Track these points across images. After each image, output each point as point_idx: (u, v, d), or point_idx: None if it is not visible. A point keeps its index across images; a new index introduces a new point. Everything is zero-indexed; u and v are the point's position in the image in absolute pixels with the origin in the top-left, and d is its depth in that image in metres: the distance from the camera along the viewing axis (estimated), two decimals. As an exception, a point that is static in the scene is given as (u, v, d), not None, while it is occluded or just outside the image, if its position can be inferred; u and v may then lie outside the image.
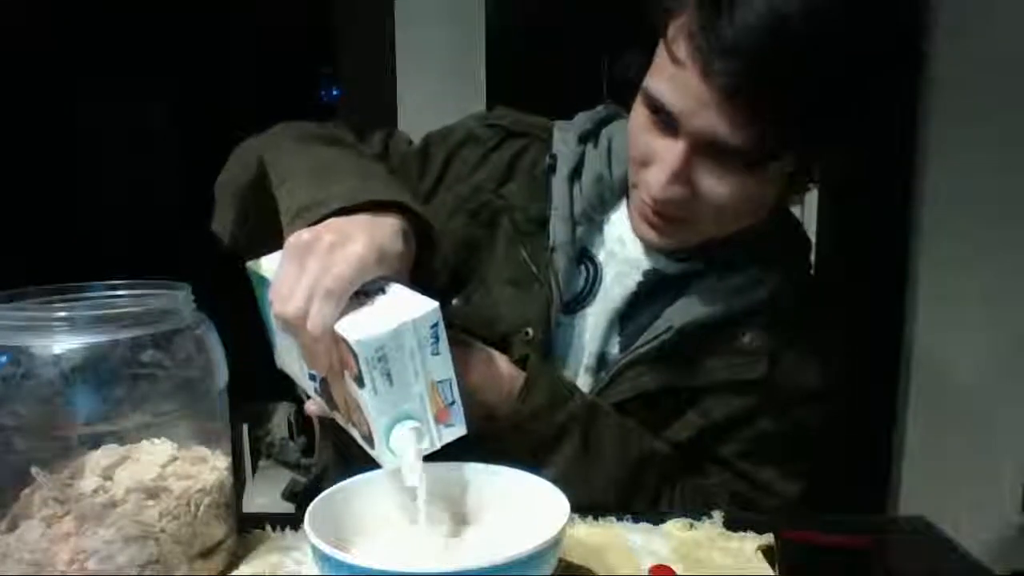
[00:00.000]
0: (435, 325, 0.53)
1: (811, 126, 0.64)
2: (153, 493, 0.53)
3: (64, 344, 0.51)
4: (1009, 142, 1.67)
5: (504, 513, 0.58)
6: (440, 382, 0.55)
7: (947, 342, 1.77)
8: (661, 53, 0.67)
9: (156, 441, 0.57)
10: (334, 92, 2.63)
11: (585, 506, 0.67)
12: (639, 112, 0.71)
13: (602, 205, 0.81)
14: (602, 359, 0.79)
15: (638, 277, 0.79)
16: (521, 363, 0.73)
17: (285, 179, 0.67)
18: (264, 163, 0.71)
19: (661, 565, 0.58)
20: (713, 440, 0.78)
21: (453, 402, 0.56)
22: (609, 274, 0.80)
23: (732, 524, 0.65)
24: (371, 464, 0.58)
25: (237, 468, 0.69)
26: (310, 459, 2.51)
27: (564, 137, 0.83)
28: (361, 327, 0.52)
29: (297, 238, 0.56)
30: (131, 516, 0.52)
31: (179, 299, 0.57)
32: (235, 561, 0.59)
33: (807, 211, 1.63)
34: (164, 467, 0.55)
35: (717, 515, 0.66)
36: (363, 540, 0.56)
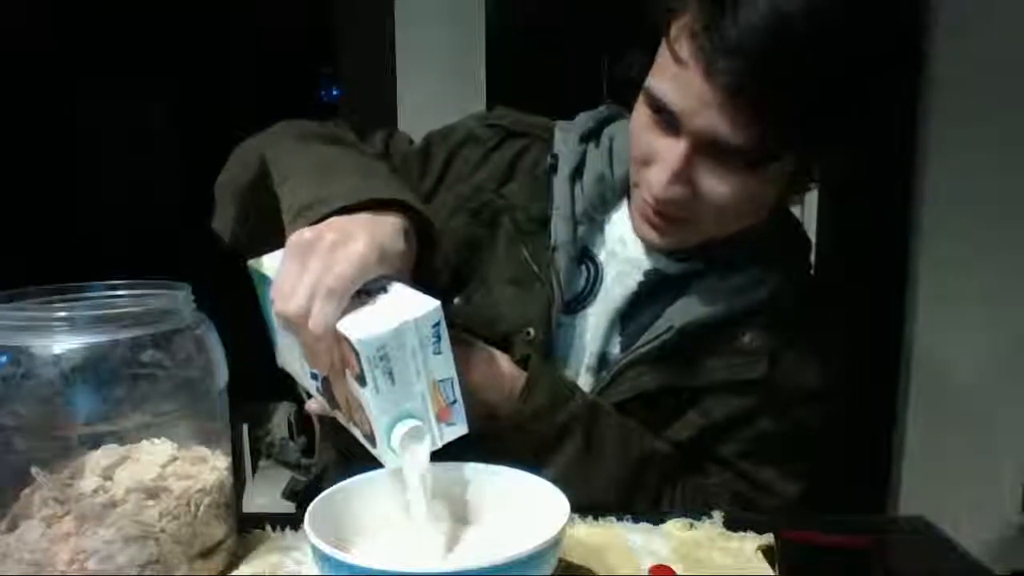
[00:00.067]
0: (437, 324, 0.53)
1: (812, 126, 0.64)
2: (153, 493, 0.53)
3: (64, 344, 0.51)
4: (1009, 142, 1.66)
5: (504, 513, 0.58)
6: (442, 381, 0.55)
7: (947, 342, 1.77)
8: (663, 53, 0.67)
9: (156, 441, 0.57)
10: (334, 92, 2.63)
11: (586, 506, 0.66)
12: (641, 112, 0.71)
13: (603, 205, 0.81)
14: (603, 359, 0.79)
15: (639, 277, 0.79)
16: (522, 363, 0.73)
17: (286, 178, 0.67)
18: (265, 162, 0.71)
19: (661, 565, 0.58)
20: (713, 440, 0.78)
21: (455, 401, 0.56)
22: (610, 274, 0.80)
23: (732, 524, 0.65)
24: (373, 463, 0.58)
25: (237, 468, 0.69)
26: (310, 459, 2.51)
27: (565, 137, 0.83)
28: (363, 326, 0.52)
29: (299, 237, 0.56)
30: (131, 516, 0.52)
31: (179, 299, 0.57)
32: (235, 561, 0.59)
33: (807, 211, 1.63)
34: (164, 467, 0.55)
35: (717, 515, 0.66)
36: (363, 540, 0.56)
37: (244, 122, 0.87)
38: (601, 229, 0.81)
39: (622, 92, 0.75)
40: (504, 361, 0.73)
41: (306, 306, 0.53)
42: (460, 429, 0.57)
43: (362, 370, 0.51)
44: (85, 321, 0.52)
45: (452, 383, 0.55)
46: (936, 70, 1.66)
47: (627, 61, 0.72)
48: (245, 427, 2.47)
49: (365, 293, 0.55)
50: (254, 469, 2.58)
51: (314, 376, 0.60)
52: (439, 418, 0.55)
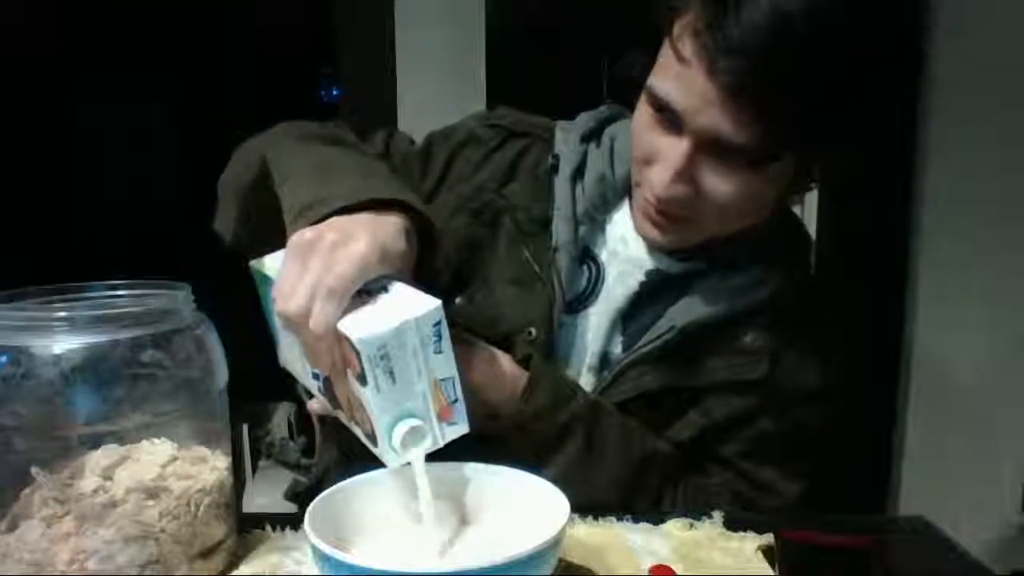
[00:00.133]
0: (438, 323, 0.53)
1: (814, 125, 0.64)
2: (153, 493, 0.53)
3: (64, 344, 0.51)
4: (1009, 142, 1.66)
5: (504, 513, 0.58)
6: (443, 380, 0.55)
7: (947, 342, 1.77)
8: (666, 52, 0.67)
9: (156, 441, 0.57)
10: (334, 92, 2.63)
11: (587, 506, 0.66)
12: (642, 111, 0.71)
13: (604, 205, 0.81)
14: (604, 359, 0.79)
15: (640, 277, 0.79)
16: (524, 363, 0.73)
17: (287, 178, 0.67)
18: (266, 162, 0.71)
19: (661, 565, 0.58)
20: (714, 440, 0.78)
21: (456, 400, 0.56)
22: (611, 274, 0.80)
23: (732, 524, 0.65)
24: (375, 463, 0.58)
25: (237, 468, 0.69)
26: (310, 459, 2.51)
27: (566, 137, 0.83)
28: (364, 325, 0.52)
29: (300, 237, 0.56)
30: (131, 516, 0.52)
31: (179, 299, 0.57)
32: (235, 561, 0.59)
33: (807, 211, 1.63)
34: (164, 467, 0.55)
35: (717, 515, 0.66)
36: (363, 540, 0.56)
37: (244, 122, 0.87)
38: (602, 229, 0.81)
39: (622, 92, 0.75)
40: (506, 361, 0.73)
41: (307, 306, 0.53)
42: (461, 428, 0.57)
43: (363, 369, 0.52)
44: (85, 321, 0.52)
45: (453, 382, 0.55)
46: (936, 70, 1.66)
47: (628, 61, 0.72)
48: (245, 427, 2.47)
49: (366, 293, 0.55)
50: (254, 469, 2.58)
51: (315, 376, 0.60)
52: (440, 417, 0.55)
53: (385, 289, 0.56)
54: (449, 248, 0.75)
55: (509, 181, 0.82)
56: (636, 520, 0.67)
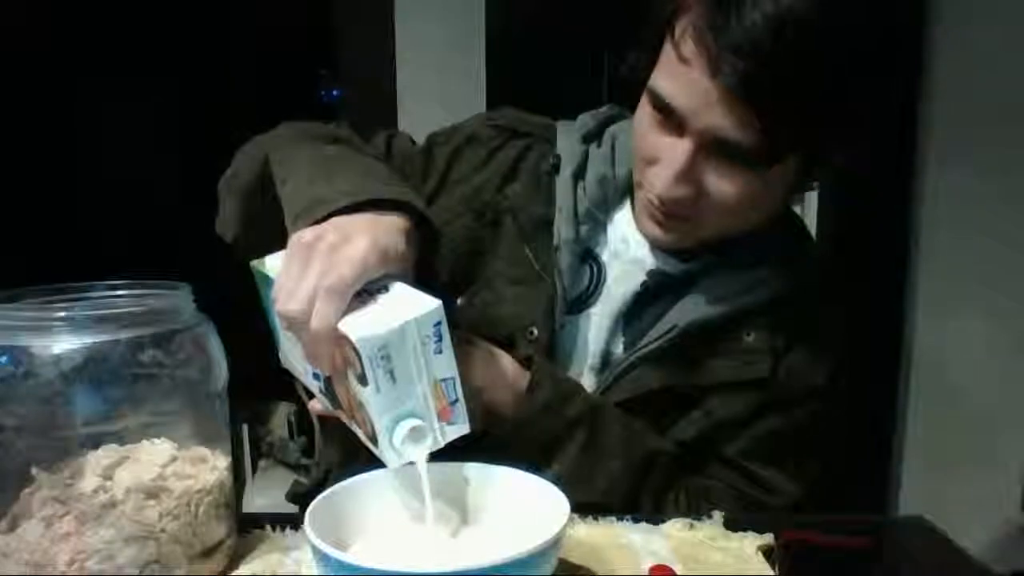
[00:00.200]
0: (438, 323, 0.53)
1: (817, 125, 0.64)
2: (153, 493, 0.53)
3: (64, 344, 0.51)
4: (1009, 142, 1.66)
5: (504, 513, 0.58)
6: (443, 380, 0.55)
7: (947, 342, 1.77)
8: (667, 52, 0.67)
9: (156, 441, 0.57)
10: (334, 92, 2.63)
11: (588, 506, 0.66)
12: (644, 111, 0.71)
13: (606, 205, 0.81)
14: (606, 358, 0.79)
15: (642, 277, 0.79)
16: (525, 363, 0.73)
17: (288, 178, 0.67)
18: (268, 162, 0.71)
19: (661, 565, 0.58)
20: (716, 439, 0.78)
21: (456, 400, 0.56)
22: (613, 274, 0.80)
23: (732, 524, 0.65)
24: (376, 463, 0.58)
25: (237, 468, 0.69)
26: (310, 459, 2.51)
27: (567, 137, 0.83)
28: (364, 326, 0.52)
29: (300, 237, 0.56)
30: (131, 516, 0.52)
31: (179, 299, 0.57)
32: (235, 561, 0.59)
33: (807, 211, 1.63)
34: (164, 467, 0.55)
35: (717, 515, 0.66)
36: (363, 540, 0.56)
37: (244, 122, 0.87)
38: (604, 229, 0.81)
39: (623, 91, 0.75)
40: (507, 361, 0.73)
41: (307, 306, 0.53)
42: (462, 428, 0.57)
43: (363, 370, 0.52)
44: (85, 321, 0.52)
45: (454, 382, 0.55)
46: (936, 70, 1.66)
47: (630, 62, 0.72)
48: (245, 427, 2.47)
49: (366, 293, 0.55)
50: (254, 469, 2.58)
51: (316, 376, 0.60)
52: (440, 417, 0.55)
53: (385, 289, 0.56)
54: (445, 248, 0.75)
55: (510, 181, 0.82)
56: (636, 520, 0.66)
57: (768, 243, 0.78)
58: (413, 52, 1.72)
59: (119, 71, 2.60)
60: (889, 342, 1.79)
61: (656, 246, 0.78)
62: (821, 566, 0.63)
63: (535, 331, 0.77)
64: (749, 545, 0.62)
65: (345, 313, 0.54)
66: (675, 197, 0.69)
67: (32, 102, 2.45)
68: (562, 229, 0.79)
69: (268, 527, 0.64)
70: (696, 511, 0.69)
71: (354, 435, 0.60)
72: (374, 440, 0.55)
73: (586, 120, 0.84)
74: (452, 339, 0.55)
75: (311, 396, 0.67)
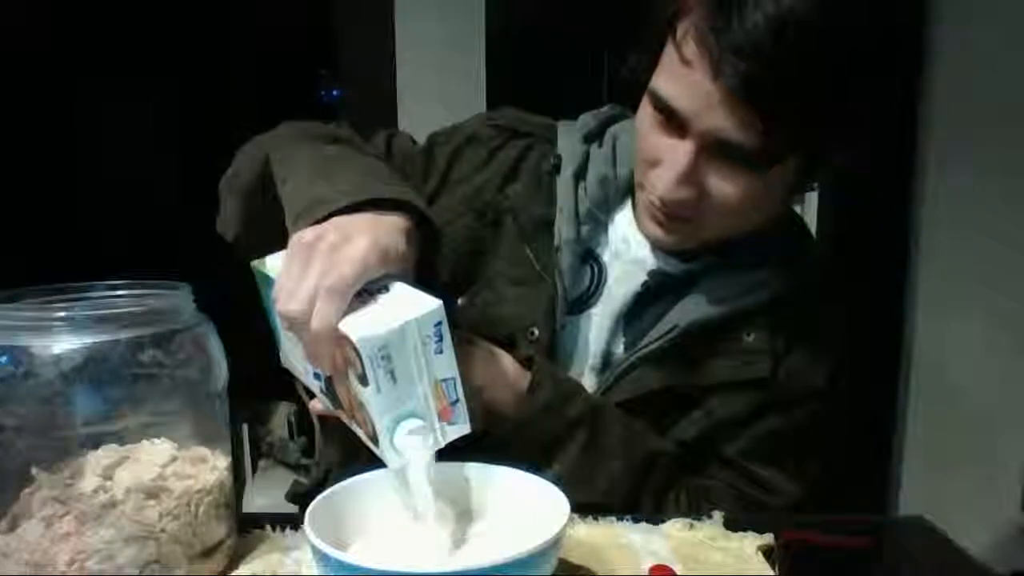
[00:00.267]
0: (439, 324, 0.53)
1: (818, 125, 0.64)
2: (153, 493, 0.53)
3: (64, 344, 0.51)
4: (1009, 143, 1.66)
5: (504, 513, 0.58)
6: (444, 380, 0.55)
7: (947, 342, 1.77)
8: (669, 54, 0.67)
9: (156, 441, 0.57)
10: (334, 92, 2.62)
11: (590, 505, 0.66)
12: (645, 112, 0.71)
13: (607, 205, 0.81)
14: (607, 359, 0.79)
15: (643, 277, 0.79)
16: (526, 363, 0.73)
17: (289, 178, 0.67)
18: (268, 162, 0.71)
19: (661, 565, 0.58)
20: (717, 440, 0.78)
21: (457, 400, 0.56)
22: (614, 274, 0.80)
23: (732, 524, 0.65)
24: (376, 463, 0.58)
25: (237, 468, 0.69)
26: (310, 459, 2.51)
27: (568, 137, 0.83)
28: (364, 326, 0.52)
29: (300, 237, 0.56)
30: (131, 516, 0.52)
31: (179, 299, 0.57)
32: (235, 561, 0.59)
33: (807, 211, 1.63)
34: (164, 467, 0.55)
35: (717, 515, 0.66)
36: (363, 540, 0.56)
37: (244, 122, 0.87)
38: (605, 229, 0.81)
39: (624, 91, 0.75)
40: (508, 361, 0.73)
41: (308, 306, 0.53)
42: (462, 428, 0.57)
43: (364, 370, 0.52)
44: (85, 321, 0.52)
45: (454, 382, 0.55)
46: (936, 70, 1.66)
47: (630, 63, 0.72)
48: (245, 427, 2.47)
49: (367, 293, 0.55)
50: (254, 469, 2.58)
51: (317, 376, 0.60)
52: (441, 417, 0.55)
53: (386, 289, 0.56)
54: (445, 248, 0.76)
55: (511, 181, 0.82)
56: (636, 520, 0.66)
57: (769, 243, 0.78)
58: (413, 52, 1.72)
59: (119, 71, 2.60)
60: (889, 342, 1.79)
61: (658, 247, 0.78)
62: (821, 566, 0.63)
63: (536, 331, 0.77)
64: (749, 545, 0.62)
65: (346, 313, 0.53)
66: (677, 199, 0.69)
67: (32, 102, 2.45)
68: (563, 229, 0.79)
69: (268, 527, 0.64)
70: (696, 511, 0.69)
71: (354, 435, 0.60)
72: (375, 440, 0.55)
73: (587, 120, 0.84)
74: (453, 339, 0.54)
75: (311, 396, 0.67)
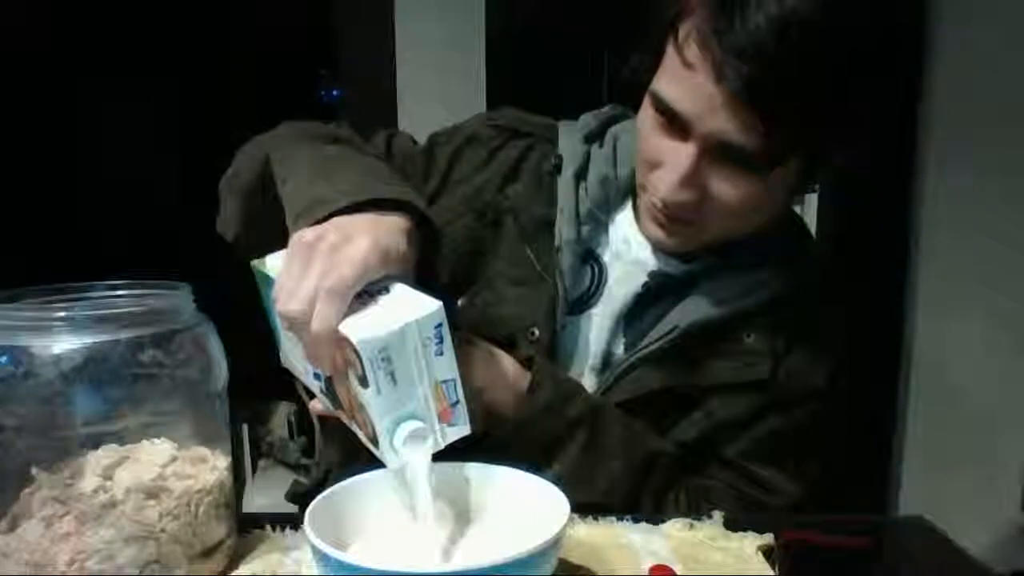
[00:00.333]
0: (439, 325, 0.53)
1: (821, 128, 0.64)
2: (153, 493, 0.53)
3: (64, 344, 0.51)
4: (1009, 142, 1.66)
5: (504, 513, 0.58)
6: (444, 382, 0.55)
7: (947, 342, 1.77)
8: (671, 56, 0.67)
9: (156, 441, 0.57)
10: (334, 92, 2.62)
11: (590, 505, 0.66)
12: (647, 114, 0.71)
13: (607, 205, 0.81)
14: (607, 359, 0.79)
15: (643, 278, 0.79)
16: (526, 363, 0.73)
17: (289, 178, 0.67)
18: (269, 162, 0.71)
19: (661, 565, 0.58)
20: (717, 440, 0.78)
21: (457, 402, 0.56)
22: (614, 274, 0.80)
23: (732, 524, 0.65)
24: (376, 464, 0.58)
25: (237, 468, 0.69)
26: (310, 459, 2.51)
27: (569, 137, 0.83)
28: (365, 327, 0.52)
29: (301, 237, 0.56)
30: (131, 516, 0.52)
31: (179, 299, 0.57)
32: (235, 561, 0.59)
33: (807, 211, 1.63)
34: (164, 467, 0.55)
35: (717, 515, 0.66)
36: (363, 540, 0.56)
37: (244, 122, 0.87)
38: (605, 230, 0.81)
39: (624, 92, 0.75)
40: (508, 362, 0.73)
41: (308, 307, 0.53)
42: (462, 430, 0.57)
43: (364, 371, 0.52)
44: (85, 321, 0.52)
45: (454, 384, 0.55)
46: (936, 70, 1.66)
47: (631, 64, 0.72)
48: (245, 427, 2.47)
49: (367, 294, 0.55)
50: (254, 469, 2.58)
51: (317, 376, 0.60)
52: (441, 419, 0.55)
53: (386, 290, 0.56)
54: (445, 248, 0.76)
55: (512, 181, 0.82)
56: (636, 520, 0.66)
57: (769, 244, 0.78)
58: (413, 52, 1.72)
59: (119, 71, 2.60)
60: (889, 342, 1.79)
61: (659, 249, 0.78)
62: (821, 566, 0.63)
63: (536, 332, 0.77)
64: (749, 545, 0.62)
65: (346, 314, 0.53)
66: (679, 201, 0.69)
67: (32, 102, 2.45)
68: (564, 230, 0.79)
69: (268, 527, 0.64)
70: (696, 511, 0.69)
71: (354, 435, 0.60)
72: (374, 441, 0.55)
73: (588, 120, 0.84)
74: (453, 340, 0.54)
75: (311, 396, 0.67)
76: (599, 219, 0.81)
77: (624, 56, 0.73)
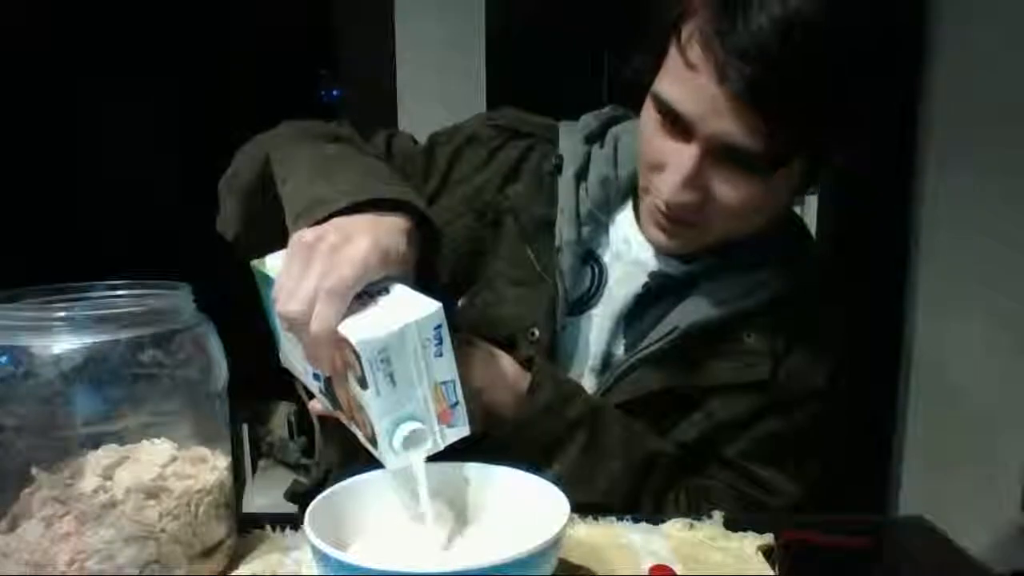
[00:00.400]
0: (438, 326, 0.53)
1: (825, 128, 0.64)
2: (153, 493, 0.53)
3: (64, 344, 0.51)
4: (1009, 142, 1.66)
5: (504, 513, 0.58)
6: (443, 383, 0.55)
7: (947, 342, 1.77)
8: (673, 57, 0.67)
9: (156, 441, 0.57)
10: (334, 92, 2.62)
11: (590, 505, 0.66)
12: (649, 116, 0.71)
13: (608, 206, 0.81)
14: (607, 360, 0.79)
15: (644, 278, 0.79)
16: (526, 364, 0.73)
17: (289, 177, 0.67)
18: (269, 161, 0.71)
19: (661, 565, 0.58)
20: (717, 441, 0.78)
21: (456, 403, 0.56)
22: (614, 275, 0.80)
23: (732, 524, 0.65)
24: (376, 464, 0.58)
25: (237, 468, 0.69)
26: (310, 459, 2.51)
27: (570, 138, 0.83)
28: (364, 328, 0.52)
29: (300, 237, 0.56)
30: (131, 516, 0.52)
31: (179, 299, 0.57)
32: (235, 561, 0.59)
33: (807, 211, 1.63)
34: (164, 467, 0.55)
35: (717, 515, 0.66)
36: (363, 540, 0.56)
37: (244, 122, 0.87)
38: (606, 230, 0.81)
39: (624, 92, 0.75)
40: (508, 362, 0.73)
41: (307, 308, 0.53)
42: (461, 431, 0.57)
43: (363, 372, 0.51)
44: (85, 321, 0.52)
45: (454, 385, 0.55)
46: (936, 70, 1.66)
47: (633, 65, 0.71)
48: (245, 427, 2.47)
49: (367, 294, 0.55)
50: (254, 469, 2.58)
51: (316, 376, 0.60)
52: (440, 420, 0.55)
53: (386, 291, 0.56)
54: (445, 249, 0.76)
55: (512, 182, 0.82)
56: (636, 520, 0.66)
57: (769, 244, 0.78)
58: (413, 52, 1.72)
59: (119, 71, 2.60)
60: (889, 342, 1.79)
61: (661, 252, 0.78)
62: (821, 566, 0.63)
63: (536, 332, 0.77)
64: (749, 545, 0.62)
65: (345, 315, 0.53)
66: (682, 202, 0.69)
67: (32, 102, 2.45)
68: (564, 230, 0.79)
69: (268, 527, 0.64)
70: (696, 511, 0.69)
71: (354, 436, 0.60)
72: (374, 442, 0.55)
73: (588, 121, 0.84)
74: (452, 341, 0.54)
75: (311, 396, 0.67)
76: (599, 220, 0.81)
77: (625, 57, 0.73)
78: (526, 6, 1.74)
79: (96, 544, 0.51)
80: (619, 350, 0.80)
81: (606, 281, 0.80)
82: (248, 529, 0.63)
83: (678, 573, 0.57)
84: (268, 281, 0.60)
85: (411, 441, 0.54)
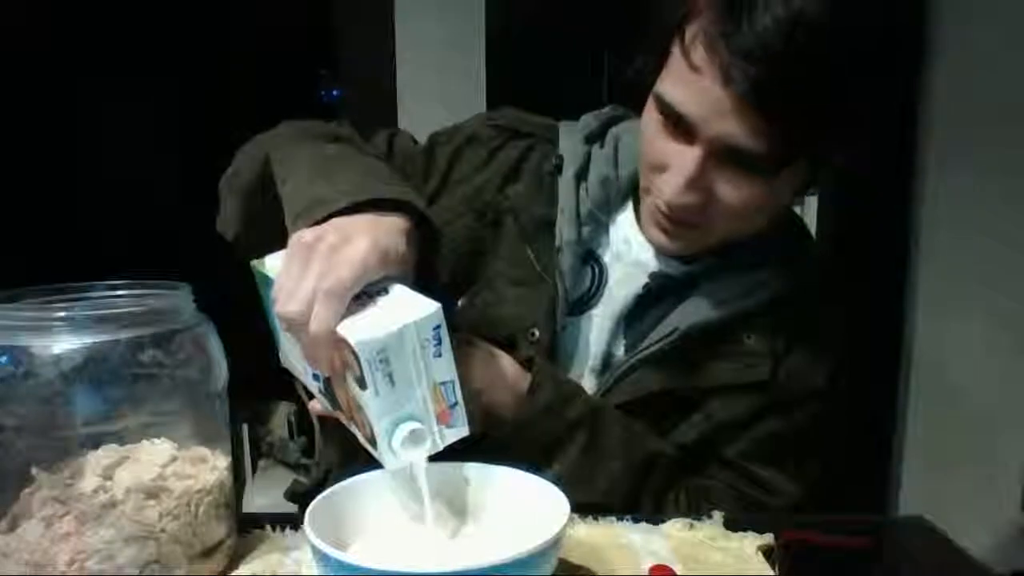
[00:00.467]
0: (437, 327, 0.53)
1: (828, 129, 0.64)
2: (153, 493, 0.53)
3: (64, 344, 0.51)
4: (1009, 142, 1.66)
5: (504, 513, 0.58)
6: (442, 383, 0.55)
7: (947, 342, 1.77)
8: (676, 58, 0.67)
9: (156, 441, 0.57)
10: (334, 92, 2.62)
11: (590, 505, 0.66)
12: (651, 117, 0.70)
13: (608, 206, 0.81)
14: (607, 360, 0.79)
15: (644, 279, 0.79)
16: (526, 364, 0.73)
17: (289, 177, 0.67)
18: (269, 161, 0.71)
19: (661, 565, 0.58)
20: (717, 441, 0.78)
21: (455, 403, 0.56)
22: (615, 275, 0.80)
23: (732, 524, 0.65)
24: (376, 464, 0.58)
25: (237, 468, 0.69)
26: (310, 459, 2.51)
27: (570, 138, 0.83)
28: (363, 329, 0.52)
29: (300, 238, 0.56)
30: (131, 516, 0.52)
31: (179, 299, 0.57)
32: (235, 561, 0.59)
33: (807, 211, 1.63)
34: (164, 467, 0.55)
35: (717, 515, 0.66)
36: (363, 540, 0.56)
37: (244, 122, 0.87)
38: (606, 230, 0.81)
39: (624, 92, 0.75)
40: (508, 362, 0.73)
41: (307, 308, 0.53)
42: (461, 431, 0.57)
43: (362, 372, 0.51)
44: (85, 321, 0.52)
45: (453, 385, 0.55)
46: (936, 70, 1.66)
47: (635, 66, 0.71)
48: (245, 427, 2.47)
49: (366, 295, 0.55)
50: (254, 469, 2.58)
51: (316, 377, 0.60)
52: (439, 420, 0.55)
53: (385, 291, 0.56)
54: (445, 249, 0.75)
55: (512, 182, 0.82)
56: (636, 520, 0.66)
57: (769, 244, 0.78)
58: (413, 52, 1.72)
59: (119, 71, 2.60)
60: (889, 342, 1.79)
61: (662, 252, 0.78)
62: (821, 566, 0.63)
63: (536, 332, 0.77)
64: (749, 545, 0.62)
65: (344, 315, 0.53)
66: (684, 204, 0.69)
67: (32, 102, 2.45)
68: (564, 230, 0.79)
69: (268, 527, 0.64)
70: (696, 511, 0.69)
71: (353, 436, 0.60)
72: (373, 442, 0.55)
73: (589, 121, 0.84)
74: (452, 341, 0.54)
75: (311, 396, 0.67)
76: (600, 220, 0.81)
77: (626, 57, 0.73)
78: (526, 6, 1.74)
79: (96, 544, 0.51)
80: (619, 351, 0.80)
81: (606, 281, 0.80)
82: (248, 529, 0.63)
83: (678, 573, 0.57)
84: (268, 281, 0.60)
85: (410, 441, 0.54)
